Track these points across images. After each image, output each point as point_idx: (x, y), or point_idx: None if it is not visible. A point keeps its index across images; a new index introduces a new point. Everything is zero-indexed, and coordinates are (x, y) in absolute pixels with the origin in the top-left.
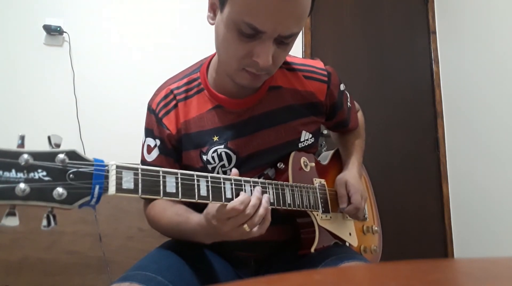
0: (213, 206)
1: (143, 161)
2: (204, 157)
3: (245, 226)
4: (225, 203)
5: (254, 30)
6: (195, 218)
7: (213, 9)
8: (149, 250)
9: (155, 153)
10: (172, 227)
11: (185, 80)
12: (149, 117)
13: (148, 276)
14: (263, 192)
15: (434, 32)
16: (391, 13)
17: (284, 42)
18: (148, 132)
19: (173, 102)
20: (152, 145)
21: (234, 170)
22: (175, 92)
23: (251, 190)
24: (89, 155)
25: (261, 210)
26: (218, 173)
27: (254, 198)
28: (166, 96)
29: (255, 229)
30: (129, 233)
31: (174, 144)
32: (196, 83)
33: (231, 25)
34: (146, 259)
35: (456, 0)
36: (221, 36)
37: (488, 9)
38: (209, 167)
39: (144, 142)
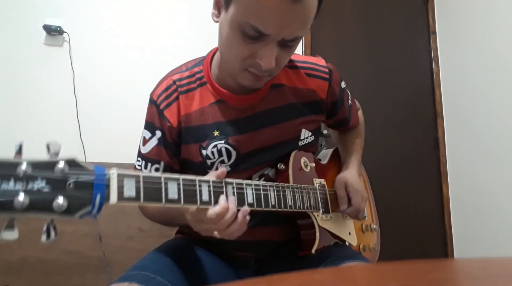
0: None
1: (139, 153)
2: (204, 152)
3: (215, 232)
4: (204, 208)
5: (258, 32)
6: None
7: (218, 7)
8: (149, 250)
9: (150, 145)
10: (156, 210)
11: (187, 73)
12: (150, 108)
13: (147, 276)
14: (240, 203)
15: (434, 32)
16: (391, 13)
17: (288, 45)
18: (147, 124)
19: (175, 94)
20: (147, 137)
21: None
22: (178, 83)
23: (252, 193)
24: (89, 155)
25: (235, 226)
26: (216, 168)
27: (230, 213)
28: (168, 88)
29: (225, 236)
30: (129, 233)
31: (174, 137)
32: (199, 75)
33: (235, 25)
34: (145, 259)
35: (456, 0)
36: (224, 35)
37: (488, 9)
38: (208, 162)
39: (142, 133)
